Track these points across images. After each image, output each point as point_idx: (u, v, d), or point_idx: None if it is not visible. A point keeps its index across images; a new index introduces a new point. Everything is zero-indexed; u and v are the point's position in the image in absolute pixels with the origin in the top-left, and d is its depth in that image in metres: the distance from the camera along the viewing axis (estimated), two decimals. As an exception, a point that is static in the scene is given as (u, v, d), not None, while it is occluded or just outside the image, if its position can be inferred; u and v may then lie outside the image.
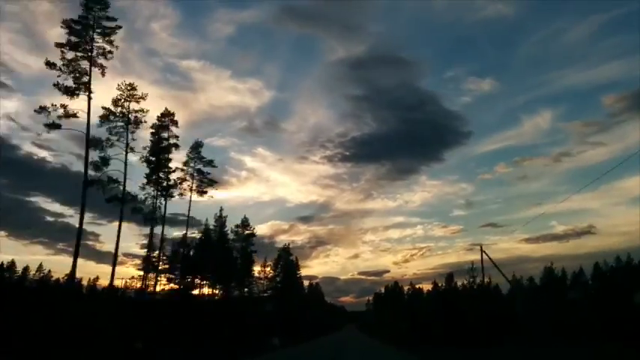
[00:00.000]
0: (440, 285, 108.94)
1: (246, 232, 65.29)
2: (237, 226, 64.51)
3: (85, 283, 73.69)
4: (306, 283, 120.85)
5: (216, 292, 60.63)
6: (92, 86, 32.84)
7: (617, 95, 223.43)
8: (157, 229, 44.42)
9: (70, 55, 32.11)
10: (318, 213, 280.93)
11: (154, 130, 44.58)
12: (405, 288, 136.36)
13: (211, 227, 58.36)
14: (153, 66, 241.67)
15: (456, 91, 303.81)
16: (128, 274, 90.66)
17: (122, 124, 37.28)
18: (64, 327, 25.78)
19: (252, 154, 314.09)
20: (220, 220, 60.04)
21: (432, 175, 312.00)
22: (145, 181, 43.29)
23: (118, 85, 37.66)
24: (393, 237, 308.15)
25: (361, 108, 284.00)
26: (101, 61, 33.04)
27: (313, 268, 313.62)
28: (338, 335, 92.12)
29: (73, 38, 32.15)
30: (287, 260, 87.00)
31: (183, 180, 48.72)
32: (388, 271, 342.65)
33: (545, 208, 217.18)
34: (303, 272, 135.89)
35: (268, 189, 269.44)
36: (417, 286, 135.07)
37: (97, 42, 32.96)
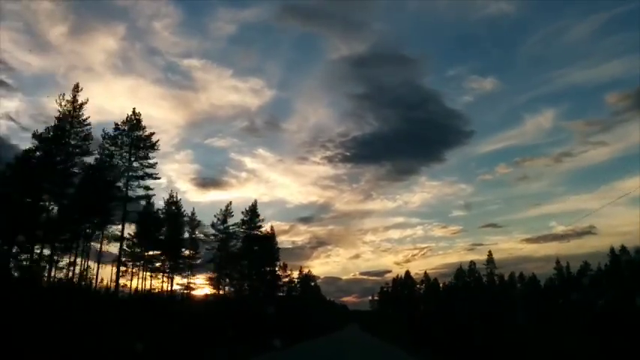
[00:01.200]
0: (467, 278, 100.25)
1: (143, 148, 35.99)
2: (117, 127, 35.83)
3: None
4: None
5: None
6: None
7: (620, 93, 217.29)
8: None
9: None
10: (318, 214, 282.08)
11: None
12: (418, 282, 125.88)
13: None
14: (154, 65, 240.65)
15: (458, 90, 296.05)
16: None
17: None
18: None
19: (252, 154, 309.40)
20: (74, 104, 31.59)
21: (432, 176, 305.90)
22: None
23: None
24: (393, 237, 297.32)
25: (363, 107, 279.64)
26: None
27: (314, 268, 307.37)
28: (340, 335, 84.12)
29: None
30: (253, 220, 59.24)
31: None
32: (390, 271, 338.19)
33: (545, 209, 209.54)
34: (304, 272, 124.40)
35: (268, 190, 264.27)
36: (434, 279, 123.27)
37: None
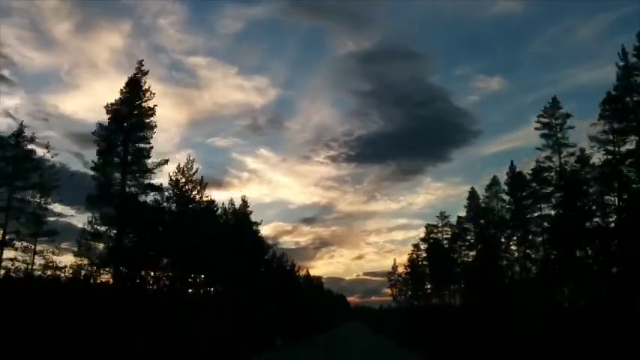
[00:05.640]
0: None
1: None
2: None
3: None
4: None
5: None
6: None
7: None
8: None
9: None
10: (321, 214, 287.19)
11: None
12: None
13: None
14: (159, 63, 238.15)
15: (464, 89, 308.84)
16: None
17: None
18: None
19: (254, 154, 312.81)
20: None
21: (436, 177, 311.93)
22: None
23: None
24: (397, 239, 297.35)
25: (368, 105, 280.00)
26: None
27: (318, 268, 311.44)
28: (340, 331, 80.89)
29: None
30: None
31: None
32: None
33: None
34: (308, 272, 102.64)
35: (270, 190, 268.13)
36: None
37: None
